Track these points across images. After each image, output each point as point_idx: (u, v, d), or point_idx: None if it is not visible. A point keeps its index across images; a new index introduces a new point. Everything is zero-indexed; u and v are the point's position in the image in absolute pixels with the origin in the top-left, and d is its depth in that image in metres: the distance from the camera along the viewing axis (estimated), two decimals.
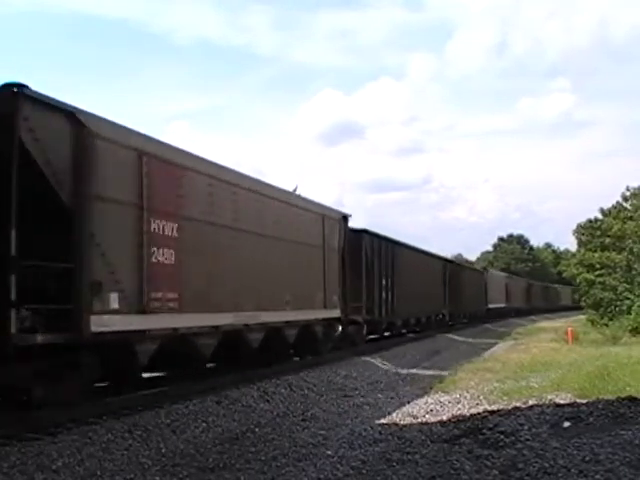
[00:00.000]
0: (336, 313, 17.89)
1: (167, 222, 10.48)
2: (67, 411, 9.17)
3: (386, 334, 24.86)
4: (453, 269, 37.52)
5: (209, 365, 13.12)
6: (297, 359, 16.87)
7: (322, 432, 9.66)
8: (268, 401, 11.90)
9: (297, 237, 15.55)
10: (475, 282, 44.16)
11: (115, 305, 9.28)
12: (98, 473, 7.30)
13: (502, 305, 52.13)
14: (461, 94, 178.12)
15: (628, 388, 11.14)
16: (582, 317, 43.77)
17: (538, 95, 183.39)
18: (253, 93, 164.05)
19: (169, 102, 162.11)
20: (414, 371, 18.21)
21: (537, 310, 68.27)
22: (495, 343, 29.86)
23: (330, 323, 17.88)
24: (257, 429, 9.94)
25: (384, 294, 22.96)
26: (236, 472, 7.54)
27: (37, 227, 8.43)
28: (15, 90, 8.17)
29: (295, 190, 17.78)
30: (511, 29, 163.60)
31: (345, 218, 19.19)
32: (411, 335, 28.38)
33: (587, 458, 6.94)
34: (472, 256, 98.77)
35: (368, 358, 18.96)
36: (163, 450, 8.43)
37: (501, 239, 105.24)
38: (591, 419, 8.99)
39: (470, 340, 31.27)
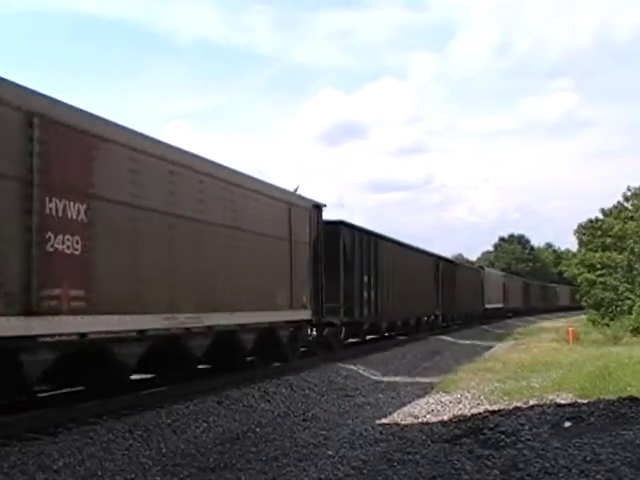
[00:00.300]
0: (306, 315, 15.84)
1: (71, 202, 8.44)
2: (68, 411, 9.20)
3: (370, 337, 23.50)
4: (446, 267, 35.49)
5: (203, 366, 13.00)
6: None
7: (323, 432, 9.66)
8: (269, 401, 11.89)
9: (255, 227, 13.38)
10: (471, 281, 42.28)
11: None
12: (99, 473, 7.29)
13: (500, 305, 50.75)
14: (463, 94, 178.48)
15: (629, 388, 11.13)
16: (583, 317, 43.78)
17: (540, 95, 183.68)
18: (253, 93, 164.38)
19: (169, 102, 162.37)
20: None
21: (535, 310, 67.47)
22: (491, 346, 28.61)
23: (299, 326, 15.82)
24: (258, 429, 9.94)
25: (366, 293, 20.88)
26: (237, 472, 7.53)
27: None
28: None
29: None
30: (513, 29, 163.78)
31: (318, 208, 17.13)
32: (402, 338, 26.74)
33: (588, 458, 6.94)
34: (473, 256, 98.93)
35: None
36: (164, 450, 8.43)
37: (502, 239, 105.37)
38: (592, 419, 8.99)
39: (465, 342, 29.78)
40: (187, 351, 11.31)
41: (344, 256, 19.08)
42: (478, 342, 30.32)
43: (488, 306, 46.18)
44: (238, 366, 13.44)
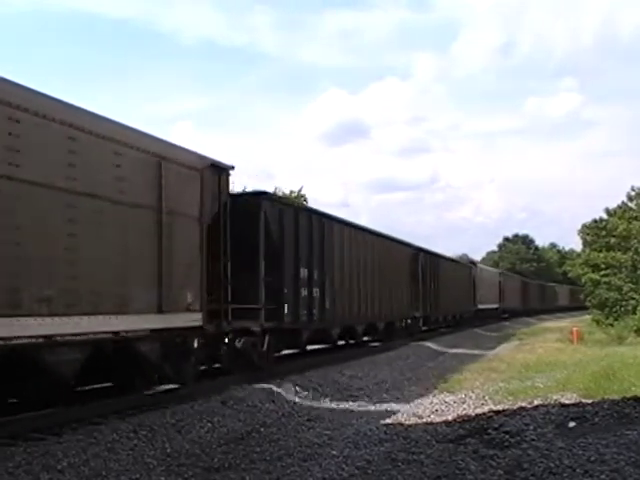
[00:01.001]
0: (191, 320, 11.08)
1: None
2: (72, 411, 9.22)
3: (317, 347, 19.18)
4: (429, 261, 29.98)
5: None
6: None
7: (327, 432, 9.67)
8: (273, 401, 11.89)
9: (95, 188, 9.05)
10: (460, 278, 37.30)
11: None
12: (103, 473, 7.30)
13: (495, 306, 47.37)
14: (467, 94, 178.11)
15: (633, 388, 11.11)
16: (587, 317, 43.71)
17: (544, 95, 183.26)
18: (257, 93, 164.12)
19: (173, 102, 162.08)
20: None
21: (534, 311, 65.73)
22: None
23: (184, 337, 11.14)
24: (262, 429, 9.94)
25: (305, 291, 15.73)
26: (241, 472, 7.54)
27: None
28: None
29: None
30: (517, 29, 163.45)
31: (219, 169, 12.34)
32: (374, 345, 22.87)
33: (592, 458, 6.94)
34: (477, 256, 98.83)
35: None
36: (168, 450, 8.44)
37: (506, 239, 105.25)
38: (596, 419, 8.99)
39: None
40: None
41: (266, 239, 14.01)
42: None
43: (481, 306, 41.90)
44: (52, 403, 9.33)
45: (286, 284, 14.80)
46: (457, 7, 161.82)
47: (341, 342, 20.41)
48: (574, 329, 28.44)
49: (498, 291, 49.05)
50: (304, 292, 15.71)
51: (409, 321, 26.58)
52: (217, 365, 12.91)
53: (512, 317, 54.01)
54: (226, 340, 12.55)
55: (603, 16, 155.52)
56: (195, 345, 11.36)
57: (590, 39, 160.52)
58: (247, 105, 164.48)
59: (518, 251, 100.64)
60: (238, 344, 12.82)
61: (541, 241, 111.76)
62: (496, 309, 48.00)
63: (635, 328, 30.99)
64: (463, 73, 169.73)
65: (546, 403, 10.54)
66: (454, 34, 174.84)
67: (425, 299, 28.32)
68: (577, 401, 10.57)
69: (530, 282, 71.36)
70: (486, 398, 11.72)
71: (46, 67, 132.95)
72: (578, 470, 6.58)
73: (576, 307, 62.09)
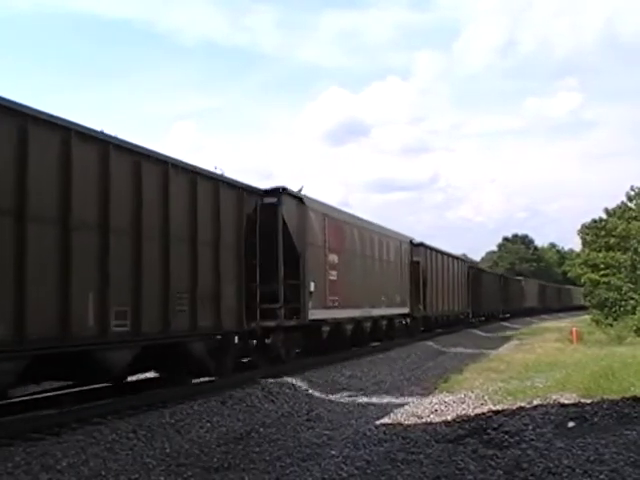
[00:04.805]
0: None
1: None
2: (72, 411, 9.22)
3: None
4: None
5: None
6: None
7: (327, 432, 9.67)
8: (273, 401, 11.90)
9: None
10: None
11: None
12: (103, 473, 7.31)
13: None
14: (468, 94, 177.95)
15: (633, 388, 11.12)
16: (587, 317, 43.68)
17: (545, 94, 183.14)
18: (258, 93, 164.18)
19: (174, 102, 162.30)
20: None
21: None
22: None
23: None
24: (262, 429, 9.94)
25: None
26: (240, 472, 7.55)
27: None
28: None
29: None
30: (519, 28, 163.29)
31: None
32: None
33: (592, 458, 6.95)
34: (477, 256, 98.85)
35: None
36: (167, 450, 8.45)
37: (506, 239, 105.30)
38: (596, 419, 9.00)
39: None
40: None
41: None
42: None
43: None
44: None
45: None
46: (458, 6, 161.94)
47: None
48: (573, 329, 28.42)
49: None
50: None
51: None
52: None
53: (518, 316, 54.38)
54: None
55: (605, 16, 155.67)
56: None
57: (592, 39, 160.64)
58: (248, 105, 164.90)
59: (517, 251, 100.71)
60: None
61: (541, 241, 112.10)
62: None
63: (634, 328, 30.92)
64: (464, 73, 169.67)
65: (545, 403, 10.55)
66: (455, 34, 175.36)
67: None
68: (576, 401, 10.57)
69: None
70: (485, 398, 11.72)
71: (46, 67, 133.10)
72: (577, 470, 6.59)
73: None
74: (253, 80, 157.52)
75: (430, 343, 25.88)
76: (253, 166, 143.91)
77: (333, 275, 17.72)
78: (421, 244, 28.37)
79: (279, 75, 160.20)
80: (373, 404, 12.40)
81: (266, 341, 14.65)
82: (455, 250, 43.37)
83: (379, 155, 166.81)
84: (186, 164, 11.59)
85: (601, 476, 6.36)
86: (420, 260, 27.50)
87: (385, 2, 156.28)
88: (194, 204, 11.69)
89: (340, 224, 18.97)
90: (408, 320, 25.98)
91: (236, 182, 13.34)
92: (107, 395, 10.86)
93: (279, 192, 15.00)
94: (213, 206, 12.34)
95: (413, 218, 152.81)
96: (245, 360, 14.72)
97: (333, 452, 8.20)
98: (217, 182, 12.53)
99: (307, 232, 16.05)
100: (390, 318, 23.46)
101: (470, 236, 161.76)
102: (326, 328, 17.31)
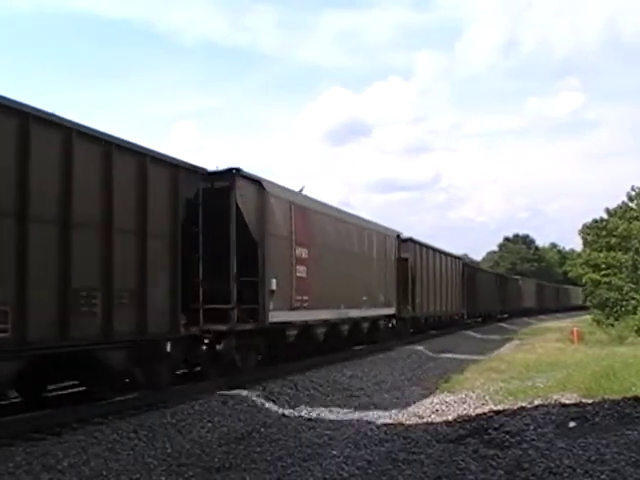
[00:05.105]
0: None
1: None
2: (73, 411, 9.22)
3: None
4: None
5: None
6: None
7: (328, 432, 9.67)
8: (274, 401, 11.90)
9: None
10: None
11: None
12: (104, 473, 7.31)
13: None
14: (469, 93, 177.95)
15: (634, 388, 11.11)
16: (588, 317, 43.66)
17: (547, 94, 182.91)
18: (259, 93, 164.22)
19: (174, 102, 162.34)
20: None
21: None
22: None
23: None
24: (263, 429, 9.95)
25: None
26: (242, 472, 7.55)
27: None
28: None
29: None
30: (520, 28, 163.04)
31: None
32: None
33: (593, 458, 6.95)
34: (478, 256, 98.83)
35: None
36: (169, 450, 8.45)
37: (507, 239, 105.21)
38: (597, 419, 8.99)
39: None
40: None
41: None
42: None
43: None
44: None
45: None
46: (459, 6, 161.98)
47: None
48: (574, 329, 28.39)
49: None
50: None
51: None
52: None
53: (516, 317, 53.56)
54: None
55: (606, 15, 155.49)
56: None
57: (593, 39, 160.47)
58: (249, 105, 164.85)
59: (519, 251, 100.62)
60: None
61: (542, 241, 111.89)
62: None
63: (636, 328, 30.88)
64: (466, 73, 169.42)
65: (546, 403, 10.54)
66: (456, 33, 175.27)
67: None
68: (577, 401, 10.56)
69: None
70: (486, 398, 11.71)
71: (46, 67, 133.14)
72: (578, 470, 6.58)
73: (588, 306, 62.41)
74: (253, 80, 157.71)
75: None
76: (254, 166, 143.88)
77: (302, 271, 15.46)
78: (410, 239, 26.64)
79: (279, 75, 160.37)
80: (374, 404, 12.40)
81: (217, 347, 12.55)
82: (457, 250, 43.00)
83: (380, 155, 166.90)
84: (96, 131, 9.47)
85: (602, 476, 6.36)
86: (409, 257, 25.82)
87: (386, 2, 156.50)
88: (108, 181, 9.54)
89: (310, 214, 16.66)
90: (394, 322, 23.89)
91: (170, 158, 11.07)
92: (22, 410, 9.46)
93: (232, 174, 12.95)
94: (137, 185, 10.17)
95: (415, 218, 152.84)
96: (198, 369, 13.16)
97: (334, 452, 8.20)
98: (143, 157, 10.33)
99: (268, 221, 13.90)
100: (373, 320, 21.40)
101: (472, 236, 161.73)
102: (292, 332, 15.17)
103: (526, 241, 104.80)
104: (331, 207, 19.21)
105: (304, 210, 16.20)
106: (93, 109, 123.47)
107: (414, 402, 12.18)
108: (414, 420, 10.26)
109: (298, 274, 15.25)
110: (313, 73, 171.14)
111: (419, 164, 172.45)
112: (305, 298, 15.56)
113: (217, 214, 12.25)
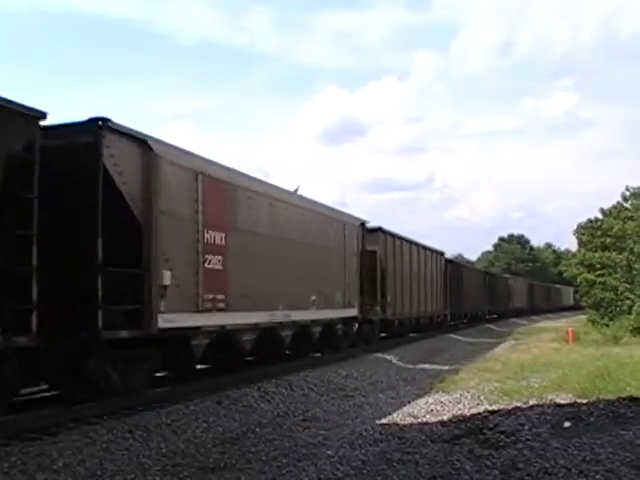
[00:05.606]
0: None
1: None
2: (68, 411, 9.20)
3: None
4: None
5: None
6: None
7: (323, 432, 9.66)
8: (269, 401, 11.89)
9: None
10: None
11: None
12: (99, 473, 7.29)
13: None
14: (465, 93, 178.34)
15: (629, 388, 11.14)
16: (583, 317, 43.75)
17: (542, 94, 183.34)
18: (255, 93, 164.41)
19: (171, 102, 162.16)
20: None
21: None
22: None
23: None
24: (258, 429, 9.94)
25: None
26: (237, 472, 7.54)
27: None
28: None
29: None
30: (516, 28, 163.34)
31: None
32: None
33: (588, 458, 6.96)
34: (473, 256, 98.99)
35: None
36: (164, 450, 8.43)
37: (502, 239, 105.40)
38: (592, 419, 9.01)
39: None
40: None
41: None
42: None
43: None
44: None
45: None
46: (455, 6, 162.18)
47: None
48: (569, 329, 28.45)
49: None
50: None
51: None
52: None
53: (505, 318, 52.18)
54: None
55: (602, 15, 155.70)
56: None
57: (589, 39, 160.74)
58: (245, 105, 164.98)
59: (514, 251, 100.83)
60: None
61: (536, 241, 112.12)
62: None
63: (630, 328, 30.99)
64: (461, 73, 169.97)
65: (541, 403, 10.56)
66: (453, 33, 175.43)
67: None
68: (572, 401, 10.59)
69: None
70: (481, 398, 11.74)
71: (46, 67, 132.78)
72: (573, 470, 6.59)
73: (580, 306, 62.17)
74: (251, 80, 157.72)
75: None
76: (250, 165, 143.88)
77: (214, 262, 11.98)
78: (379, 229, 22.93)
79: (277, 75, 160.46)
80: (368, 404, 12.39)
81: (90, 365, 9.64)
82: (451, 250, 42.77)
83: (376, 155, 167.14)
84: None
85: (597, 476, 6.36)
86: (377, 249, 22.04)
87: (382, 2, 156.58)
88: None
89: (230, 190, 12.98)
90: (357, 326, 20.31)
91: None
92: None
93: (96, 127, 9.69)
94: None
95: (410, 218, 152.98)
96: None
97: (329, 452, 8.20)
98: None
99: (159, 195, 10.58)
100: (329, 324, 17.94)
101: (467, 236, 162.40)
102: (202, 341, 11.90)
103: (521, 241, 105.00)
104: (268, 184, 15.65)
105: (220, 184, 12.61)
106: (91, 109, 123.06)
107: (409, 402, 12.19)
108: (409, 420, 10.27)
109: (208, 265, 11.84)
110: (310, 73, 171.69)
111: (414, 164, 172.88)
112: (220, 297, 12.19)
113: (74, 180, 9.49)
